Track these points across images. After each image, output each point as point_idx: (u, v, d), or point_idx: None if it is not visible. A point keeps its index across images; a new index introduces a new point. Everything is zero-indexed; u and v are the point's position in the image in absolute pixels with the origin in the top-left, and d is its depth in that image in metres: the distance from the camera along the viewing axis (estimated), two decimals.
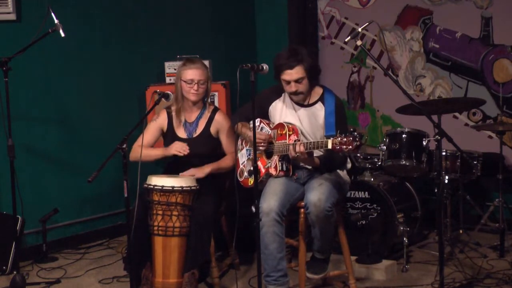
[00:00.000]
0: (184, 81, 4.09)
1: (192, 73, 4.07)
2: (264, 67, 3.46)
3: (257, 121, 3.91)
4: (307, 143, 3.56)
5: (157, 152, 4.17)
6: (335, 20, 5.98)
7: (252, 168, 3.58)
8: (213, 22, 5.99)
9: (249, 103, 3.56)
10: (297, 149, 3.56)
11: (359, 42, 3.47)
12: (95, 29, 5.21)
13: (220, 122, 4.18)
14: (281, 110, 3.89)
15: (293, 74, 3.71)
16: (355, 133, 3.32)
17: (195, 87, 4.07)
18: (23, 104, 4.80)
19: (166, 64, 5.19)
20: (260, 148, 3.80)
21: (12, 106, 4.16)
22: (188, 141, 4.16)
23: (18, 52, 4.16)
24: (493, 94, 5.16)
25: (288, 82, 3.74)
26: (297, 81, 3.72)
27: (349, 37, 3.47)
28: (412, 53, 5.56)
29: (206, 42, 5.84)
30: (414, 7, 5.51)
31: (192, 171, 4.06)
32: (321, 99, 3.84)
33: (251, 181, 3.87)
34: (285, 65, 3.70)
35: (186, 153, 4.03)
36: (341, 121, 3.74)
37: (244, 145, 3.99)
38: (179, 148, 4.05)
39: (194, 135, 4.17)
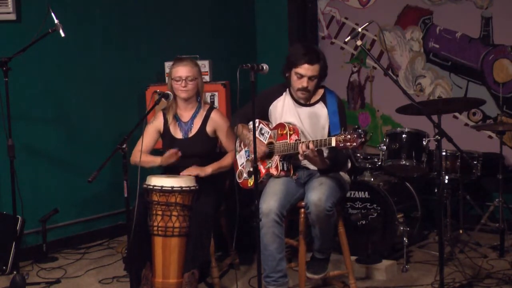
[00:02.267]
0: (173, 79, 4.10)
1: (179, 70, 4.08)
2: (264, 67, 3.46)
3: (256, 121, 3.90)
4: (311, 142, 3.55)
5: (156, 160, 4.13)
6: (335, 20, 5.98)
7: (251, 169, 3.57)
8: (213, 22, 5.99)
9: (249, 103, 3.56)
10: (304, 147, 3.54)
11: (359, 42, 3.47)
12: (95, 29, 5.21)
13: (217, 120, 4.17)
14: (282, 110, 3.89)
15: (310, 69, 3.71)
16: (359, 130, 3.31)
17: (183, 83, 4.08)
18: (23, 104, 4.80)
19: (166, 64, 5.19)
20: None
21: (12, 106, 4.16)
22: (184, 141, 4.15)
23: (18, 52, 4.16)
24: (493, 94, 5.16)
25: (301, 77, 3.74)
26: (310, 78, 3.72)
27: (349, 37, 3.48)
28: (412, 53, 5.56)
29: (206, 42, 5.85)
30: (414, 7, 5.51)
31: (193, 168, 4.05)
32: (323, 99, 3.84)
33: (250, 182, 3.87)
34: (305, 59, 3.69)
35: (177, 156, 4.01)
36: (343, 120, 3.75)
37: (242, 147, 3.99)
38: (169, 158, 4.04)
39: (190, 135, 4.17)
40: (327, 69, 3.80)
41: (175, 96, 4.14)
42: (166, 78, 5.14)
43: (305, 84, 3.74)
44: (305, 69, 3.71)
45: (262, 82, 4.89)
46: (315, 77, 3.73)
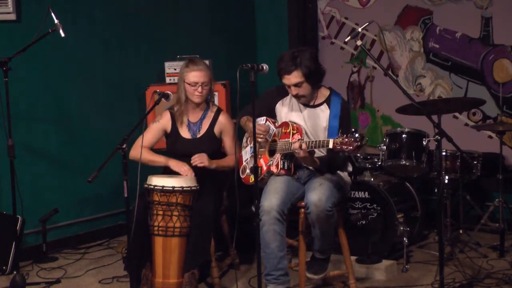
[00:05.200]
0: (188, 83, 4.09)
1: (196, 76, 4.06)
2: (264, 67, 3.47)
3: (263, 119, 3.93)
4: (308, 142, 3.58)
5: (160, 160, 4.13)
6: (335, 20, 5.98)
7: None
8: (213, 22, 5.99)
9: (256, 100, 3.55)
10: (297, 146, 3.56)
11: (359, 42, 3.47)
12: (95, 29, 5.21)
13: (224, 123, 4.18)
14: (287, 109, 3.90)
15: (290, 78, 3.71)
16: (356, 134, 3.34)
17: (199, 89, 4.07)
18: (23, 104, 4.80)
19: (166, 64, 5.19)
20: (259, 139, 3.81)
21: (12, 106, 4.15)
22: (192, 141, 4.16)
23: (18, 52, 4.16)
24: (493, 94, 5.16)
25: (288, 86, 3.76)
26: (296, 85, 3.73)
27: (349, 37, 3.48)
28: (412, 53, 5.56)
29: (206, 42, 5.85)
30: (414, 7, 5.51)
31: (204, 156, 4.02)
32: (327, 101, 3.84)
33: (252, 178, 3.88)
34: (283, 69, 3.71)
35: (187, 174, 4.00)
36: (345, 124, 3.74)
37: (249, 143, 4.01)
38: (183, 170, 4.02)
39: (198, 135, 4.18)
40: (319, 69, 3.77)
41: (186, 98, 4.13)
42: (167, 78, 5.17)
43: (293, 92, 3.77)
44: (287, 79, 3.73)
45: (262, 82, 4.89)
46: (300, 83, 3.72)
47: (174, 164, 4.07)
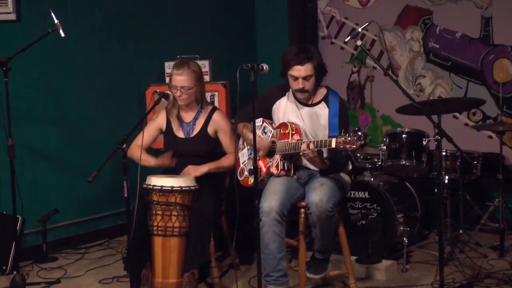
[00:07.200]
0: (172, 86, 4.11)
1: (176, 80, 4.08)
2: (264, 67, 3.46)
3: (260, 120, 3.92)
4: (311, 142, 3.56)
5: (151, 162, 4.16)
6: (335, 20, 5.98)
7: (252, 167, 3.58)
8: (213, 22, 5.99)
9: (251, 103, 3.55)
10: (304, 146, 3.54)
11: (359, 42, 3.47)
12: (95, 29, 5.22)
13: (218, 122, 4.18)
14: (284, 109, 3.90)
15: (302, 70, 3.71)
16: (359, 133, 3.31)
17: (178, 93, 4.09)
18: (23, 104, 4.80)
19: (166, 64, 5.20)
20: (259, 154, 3.80)
21: (12, 106, 4.15)
22: (186, 141, 4.16)
23: (18, 52, 4.16)
24: (493, 94, 5.16)
25: (296, 79, 3.74)
26: (305, 78, 3.72)
27: (349, 37, 3.48)
28: (412, 53, 5.56)
29: (206, 42, 5.85)
30: (414, 7, 5.51)
31: (190, 168, 4.06)
32: (325, 99, 3.83)
33: (251, 180, 3.87)
34: (295, 60, 3.70)
35: (171, 162, 4.11)
36: (344, 122, 3.73)
37: (245, 145, 3.99)
38: (163, 161, 4.14)
39: (192, 135, 4.18)
40: (324, 66, 3.80)
41: (174, 99, 4.15)
42: (167, 78, 5.17)
43: (300, 86, 3.74)
44: (297, 71, 3.71)
45: (262, 82, 4.89)
46: (310, 77, 3.73)
47: (157, 162, 4.15)
